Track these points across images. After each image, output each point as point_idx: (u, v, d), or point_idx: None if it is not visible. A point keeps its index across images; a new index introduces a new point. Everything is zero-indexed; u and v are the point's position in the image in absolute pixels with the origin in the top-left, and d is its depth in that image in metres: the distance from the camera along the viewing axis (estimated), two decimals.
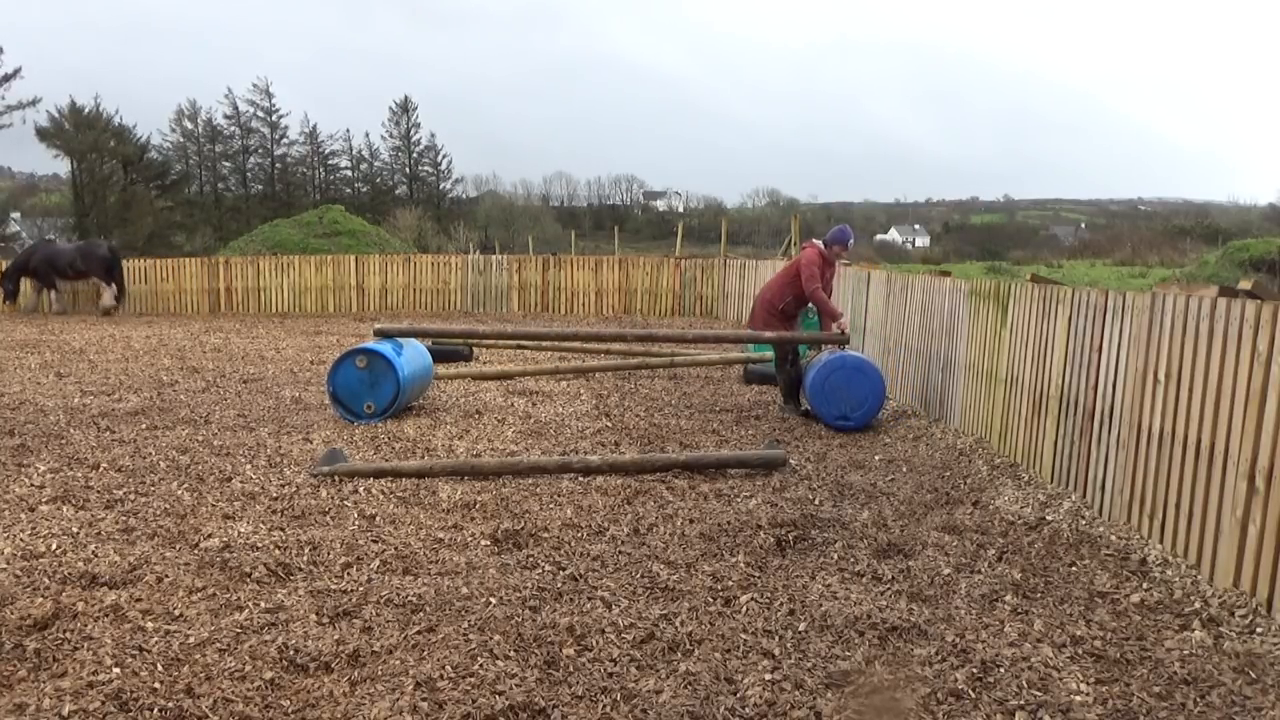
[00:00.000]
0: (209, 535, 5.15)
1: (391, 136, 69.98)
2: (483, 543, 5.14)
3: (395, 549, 4.97)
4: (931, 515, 5.66)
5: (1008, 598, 4.32)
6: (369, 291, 21.84)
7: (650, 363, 11.79)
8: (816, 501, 5.97)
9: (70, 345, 14.67)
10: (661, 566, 4.74)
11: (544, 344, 12.71)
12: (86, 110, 44.94)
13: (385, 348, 8.54)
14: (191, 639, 3.81)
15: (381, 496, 5.99)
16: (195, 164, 62.56)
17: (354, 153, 69.81)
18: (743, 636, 3.90)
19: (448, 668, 3.60)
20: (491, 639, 3.86)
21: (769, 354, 11.78)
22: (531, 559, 4.87)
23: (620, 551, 4.98)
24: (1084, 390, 5.93)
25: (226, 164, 64.54)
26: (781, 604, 4.25)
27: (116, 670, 3.53)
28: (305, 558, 4.82)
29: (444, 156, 71.10)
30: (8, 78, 35.02)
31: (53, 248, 21.19)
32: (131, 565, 4.66)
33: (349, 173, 70.52)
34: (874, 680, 3.52)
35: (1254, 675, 3.53)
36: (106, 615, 4.04)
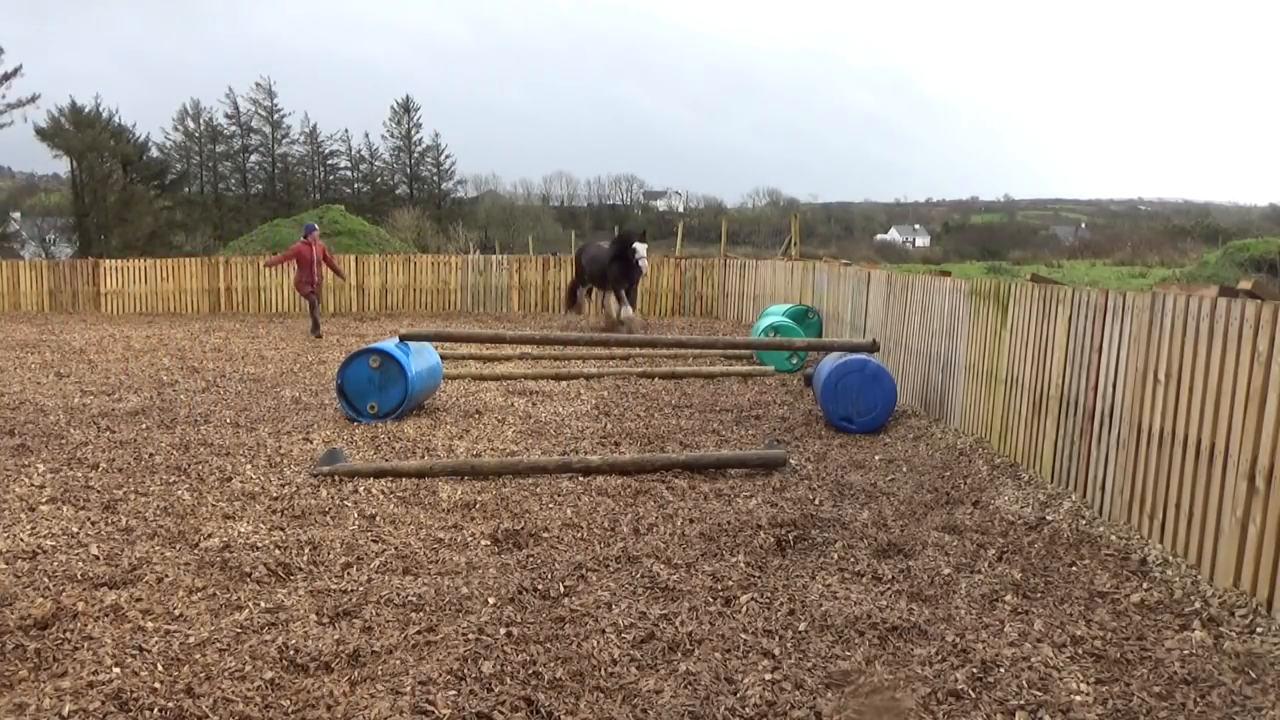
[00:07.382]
0: (209, 535, 5.15)
1: (392, 136, 69.92)
2: (483, 543, 5.14)
3: (395, 549, 4.97)
4: (931, 515, 5.66)
5: (1008, 598, 4.32)
6: (369, 291, 21.84)
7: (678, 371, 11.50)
8: (816, 501, 5.97)
9: (70, 345, 14.67)
10: (661, 566, 4.73)
11: (591, 351, 12.64)
12: (86, 110, 45.01)
13: (401, 353, 8.54)
14: (191, 639, 3.82)
15: (381, 496, 5.99)
16: (197, 164, 62.53)
17: (353, 153, 69.76)
18: (743, 636, 3.90)
19: (448, 668, 3.60)
20: (491, 639, 3.86)
21: (769, 366, 11.79)
22: (531, 559, 4.87)
23: (620, 551, 4.98)
24: (1084, 390, 5.93)
25: (227, 164, 64.52)
26: (781, 604, 4.25)
27: (116, 670, 3.53)
28: (305, 558, 4.82)
29: (447, 156, 71.01)
30: (7, 76, 35.04)
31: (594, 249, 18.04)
32: (131, 565, 4.66)
33: (349, 173, 70.47)
34: (874, 680, 3.52)
35: (1254, 675, 3.53)
36: (106, 615, 4.04)
